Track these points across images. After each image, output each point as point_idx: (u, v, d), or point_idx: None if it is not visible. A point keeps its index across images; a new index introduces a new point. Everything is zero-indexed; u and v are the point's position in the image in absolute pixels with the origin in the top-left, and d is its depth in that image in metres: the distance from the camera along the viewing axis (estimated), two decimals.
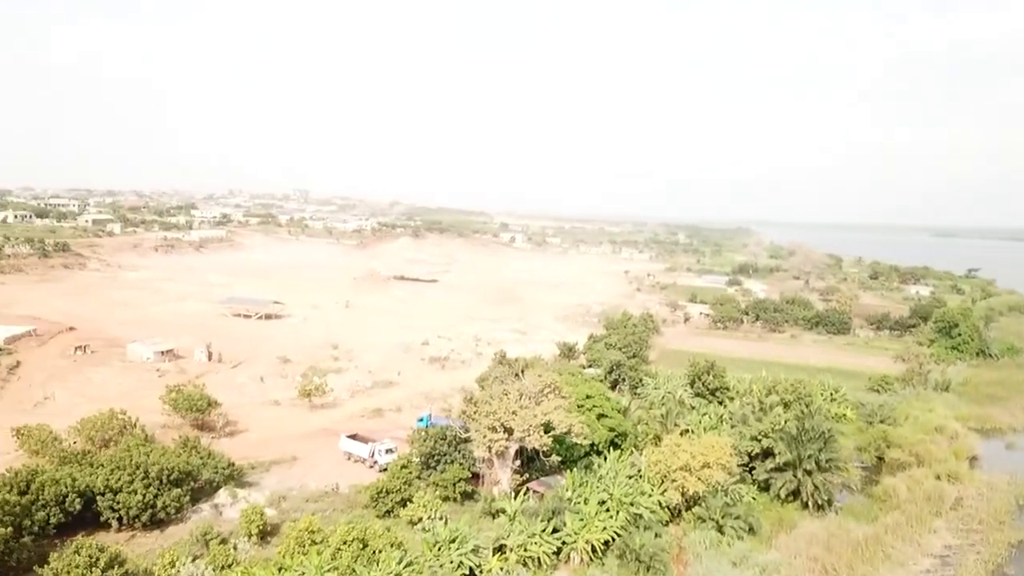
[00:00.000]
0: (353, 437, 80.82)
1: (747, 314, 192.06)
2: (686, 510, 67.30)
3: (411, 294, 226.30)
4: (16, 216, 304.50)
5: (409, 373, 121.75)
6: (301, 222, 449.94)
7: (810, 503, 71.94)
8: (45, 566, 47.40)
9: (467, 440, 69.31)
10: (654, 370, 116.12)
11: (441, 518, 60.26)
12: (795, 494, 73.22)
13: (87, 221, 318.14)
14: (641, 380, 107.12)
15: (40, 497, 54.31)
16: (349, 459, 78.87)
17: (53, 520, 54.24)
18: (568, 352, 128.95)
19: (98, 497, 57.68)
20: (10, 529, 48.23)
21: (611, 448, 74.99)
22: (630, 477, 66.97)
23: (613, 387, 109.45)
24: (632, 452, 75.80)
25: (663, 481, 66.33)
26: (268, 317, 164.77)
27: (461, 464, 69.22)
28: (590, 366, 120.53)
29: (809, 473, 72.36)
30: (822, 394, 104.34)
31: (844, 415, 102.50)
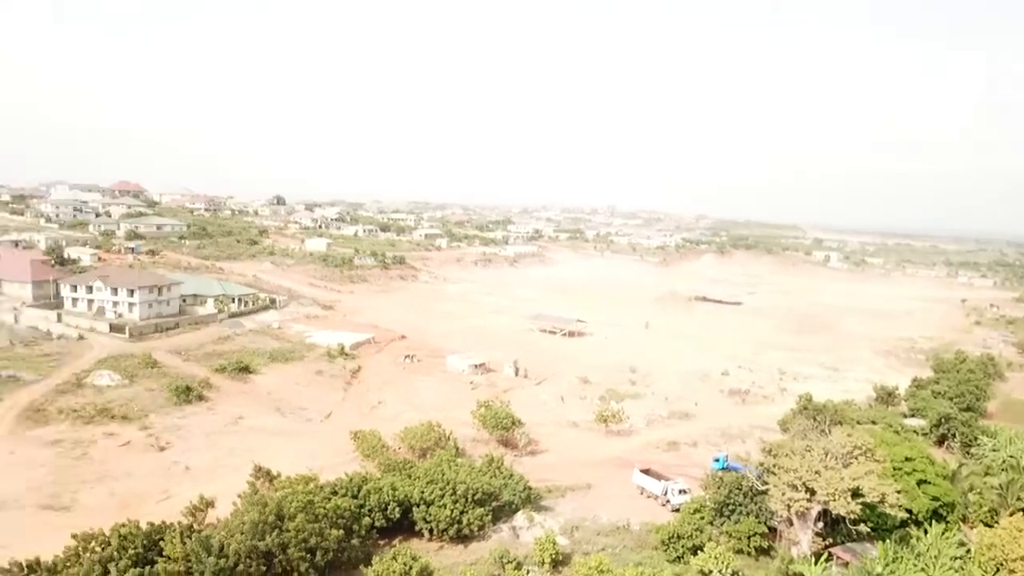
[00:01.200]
0: (646, 471, 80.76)
1: None
2: None
3: (712, 316, 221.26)
4: (364, 231, 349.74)
5: (706, 404, 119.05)
6: (606, 238, 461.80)
7: None
8: (369, 567, 53.91)
9: (764, 492, 65.89)
10: (993, 427, 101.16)
11: (733, 574, 58.01)
12: None
13: (421, 235, 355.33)
14: (976, 438, 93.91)
15: (367, 503, 61.54)
16: (641, 493, 78.96)
17: (377, 524, 61.14)
18: (886, 397, 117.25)
19: (414, 508, 63.90)
20: (342, 532, 55.17)
21: (933, 520, 66.63)
22: (955, 559, 58.93)
23: (940, 443, 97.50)
24: (959, 528, 66.71)
25: (998, 570, 57.44)
26: (571, 335, 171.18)
27: (757, 517, 66.04)
28: (912, 416, 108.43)
29: None
30: None
31: None
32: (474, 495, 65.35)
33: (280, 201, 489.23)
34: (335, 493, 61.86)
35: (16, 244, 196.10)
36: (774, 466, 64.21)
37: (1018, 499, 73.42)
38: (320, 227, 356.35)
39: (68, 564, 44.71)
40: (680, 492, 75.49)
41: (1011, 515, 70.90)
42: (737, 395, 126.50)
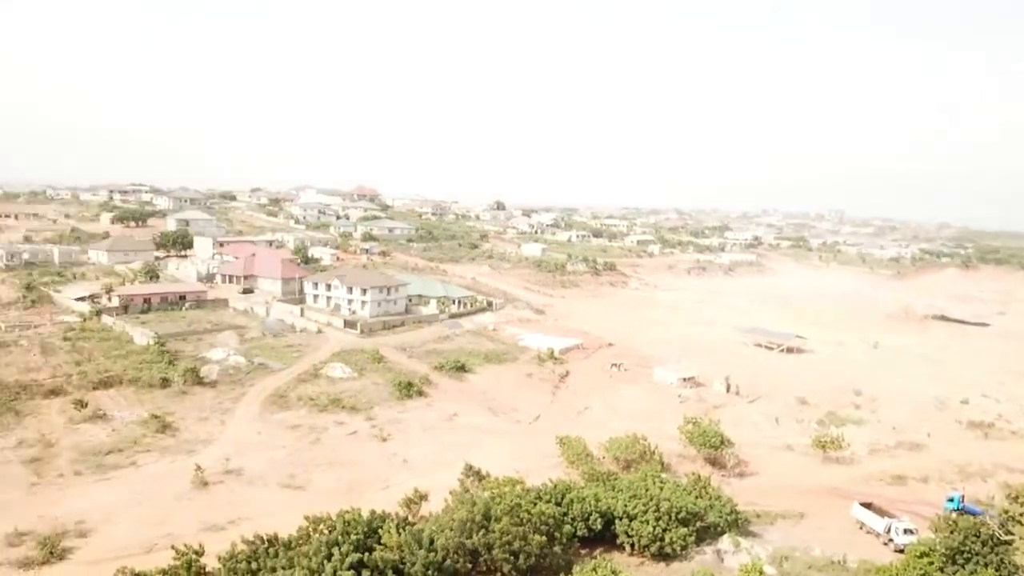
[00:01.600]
0: (867, 505, 75.03)
1: None
2: None
3: (953, 338, 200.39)
4: (577, 236, 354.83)
5: (941, 436, 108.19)
6: (833, 247, 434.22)
7: None
8: (569, 575, 54.74)
9: (1008, 543, 58.99)
10: None
11: None
12: None
13: (632, 241, 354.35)
14: None
15: (570, 511, 62.44)
16: (860, 528, 73.51)
17: (579, 533, 61.81)
18: None
19: (616, 520, 63.91)
20: (545, 538, 56.38)
21: None
22: None
23: None
24: None
25: None
26: (789, 351, 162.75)
27: (998, 570, 59.12)
28: None
29: None
30: None
31: None
32: (678, 513, 64.21)
33: (500, 206, 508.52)
34: (540, 498, 63.31)
35: (270, 244, 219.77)
36: (1021, 515, 57.37)
37: None
38: (536, 232, 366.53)
39: (300, 542, 49.50)
40: (906, 532, 69.35)
41: None
42: (979, 428, 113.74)
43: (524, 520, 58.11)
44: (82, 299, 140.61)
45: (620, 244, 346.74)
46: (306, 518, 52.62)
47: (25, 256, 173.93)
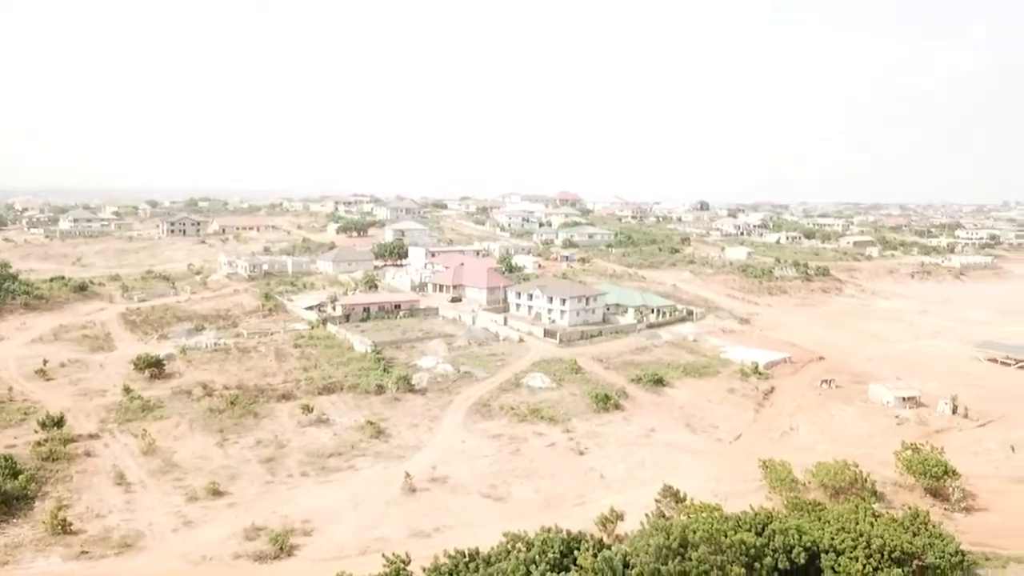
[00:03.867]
0: None
1: None
2: None
3: None
4: (787, 238, 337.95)
5: None
6: None
7: None
8: None
9: None
10: None
11: None
12: None
13: (848, 243, 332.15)
14: None
15: (771, 542, 60.23)
16: None
17: (780, 566, 59.46)
18: None
19: (822, 554, 60.87)
20: (744, 569, 54.97)
21: None
22: None
23: None
24: None
25: None
26: None
27: None
28: None
29: None
30: None
31: None
32: (891, 552, 59.96)
33: (704, 207, 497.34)
34: (739, 526, 61.71)
35: (477, 253, 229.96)
36: None
37: None
38: (742, 234, 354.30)
39: (500, 558, 51.87)
40: None
41: None
42: None
43: (723, 548, 57.04)
44: (310, 308, 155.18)
45: (835, 246, 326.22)
46: (505, 535, 54.97)
47: (264, 267, 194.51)
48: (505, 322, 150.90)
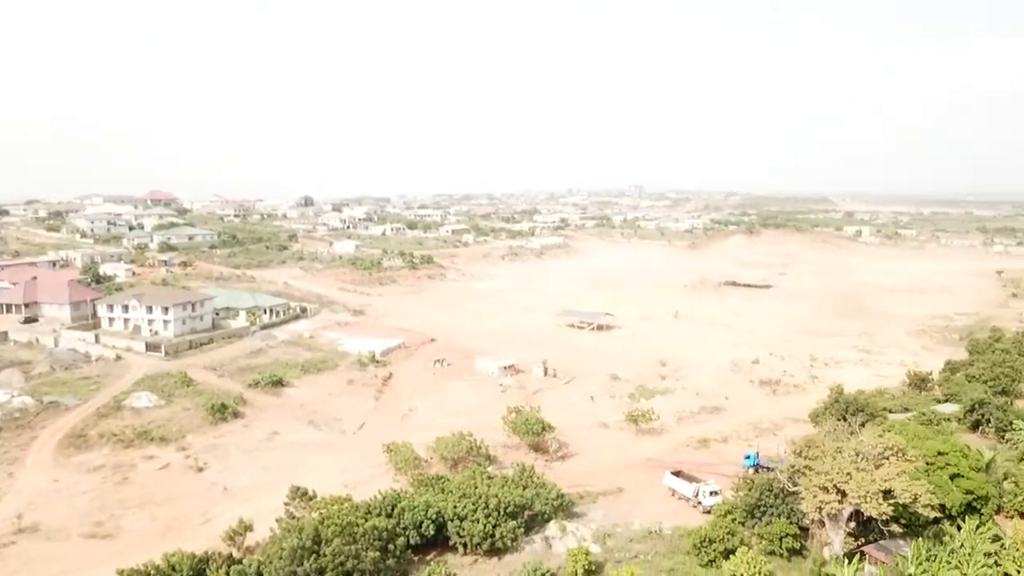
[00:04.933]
0: (678, 473, 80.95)
1: None
2: None
3: (744, 302, 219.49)
4: (392, 230, 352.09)
5: (738, 397, 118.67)
6: (634, 223, 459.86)
7: None
8: None
9: (795, 493, 65.84)
10: None
11: None
12: None
13: (447, 232, 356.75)
14: (1011, 423, 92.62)
15: (402, 520, 62.58)
16: (673, 495, 79.14)
17: (412, 542, 62.13)
18: (920, 383, 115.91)
19: (448, 523, 64.83)
20: (378, 552, 56.28)
21: (967, 515, 66.12)
22: (989, 554, 58.46)
23: (974, 429, 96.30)
24: (993, 521, 66.11)
25: None
26: (600, 329, 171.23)
27: (789, 518, 66.04)
28: (946, 401, 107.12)
29: None
30: None
31: None
32: (507, 508, 66.05)
33: (308, 202, 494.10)
34: (370, 513, 62.96)
35: (54, 264, 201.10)
36: (805, 467, 64.13)
37: None
38: (348, 228, 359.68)
39: None
40: (711, 494, 75.63)
41: None
42: (768, 385, 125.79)
43: (356, 537, 57.67)
44: None
45: (436, 235, 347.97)
46: (119, 572, 49.17)
47: None
48: (97, 339, 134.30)
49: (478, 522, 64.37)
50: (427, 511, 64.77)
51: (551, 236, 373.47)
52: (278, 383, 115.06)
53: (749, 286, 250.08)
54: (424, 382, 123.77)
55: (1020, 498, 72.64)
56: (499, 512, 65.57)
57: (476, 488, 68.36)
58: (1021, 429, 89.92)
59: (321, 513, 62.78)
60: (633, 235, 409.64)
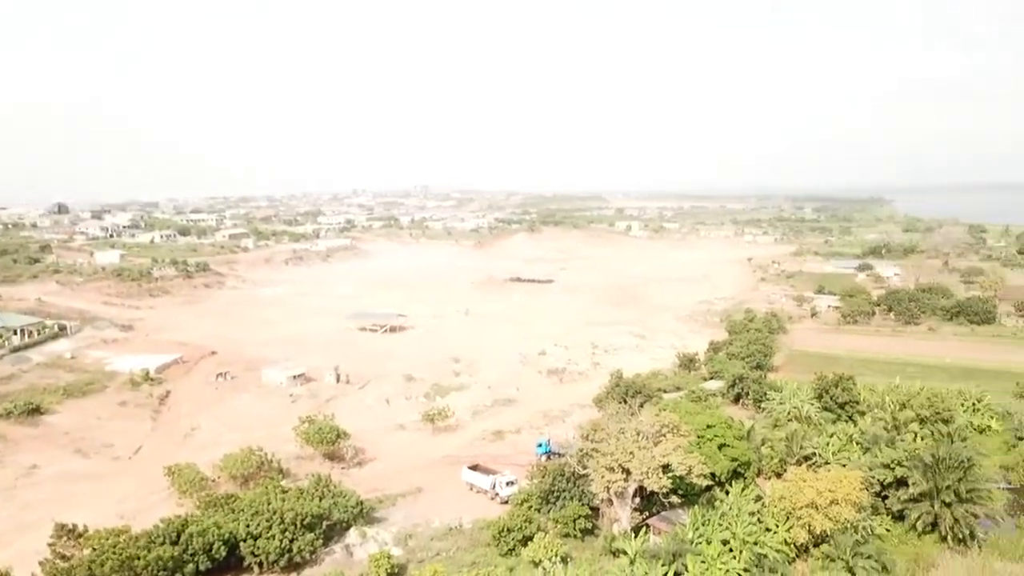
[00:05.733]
0: (475, 467, 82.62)
1: (879, 306, 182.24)
2: (814, 547, 65.10)
3: (529, 297, 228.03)
4: (162, 236, 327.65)
5: (528, 388, 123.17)
6: (421, 223, 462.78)
7: (949, 536, 67.95)
8: None
9: (585, 475, 69.63)
10: (780, 381, 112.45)
11: (563, 559, 61.07)
12: (933, 526, 69.37)
13: (224, 236, 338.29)
14: (765, 394, 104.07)
15: (190, 547, 58.67)
16: (471, 490, 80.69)
17: (202, 568, 58.51)
18: (688, 363, 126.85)
19: (241, 543, 61.72)
20: None
21: (733, 480, 73.52)
22: (753, 513, 65.43)
23: (736, 402, 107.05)
24: (755, 483, 74.03)
25: (788, 518, 64.41)
26: (393, 330, 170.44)
27: (580, 500, 69.72)
28: (712, 378, 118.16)
29: (948, 505, 68.35)
30: (962, 405, 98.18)
31: (988, 427, 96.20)
32: (303, 520, 64.07)
33: (63, 209, 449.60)
34: (153, 542, 58.35)
35: None
36: (592, 450, 67.99)
37: (801, 448, 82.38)
38: (112, 236, 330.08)
39: None
40: (508, 484, 78.03)
41: (796, 464, 79.67)
42: (555, 375, 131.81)
43: (138, 571, 53.40)
44: None
45: (212, 240, 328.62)
46: None
47: None
48: None
49: (273, 538, 61.90)
50: (218, 532, 61.27)
51: (337, 238, 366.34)
52: (35, 411, 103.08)
53: (533, 281, 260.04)
54: (207, 398, 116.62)
55: (775, 460, 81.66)
56: (295, 526, 63.47)
57: (269, 504, 65.65)
58: (773, 399, 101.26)
59: (95, 549, 57.29)
60: (421, 235, 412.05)
